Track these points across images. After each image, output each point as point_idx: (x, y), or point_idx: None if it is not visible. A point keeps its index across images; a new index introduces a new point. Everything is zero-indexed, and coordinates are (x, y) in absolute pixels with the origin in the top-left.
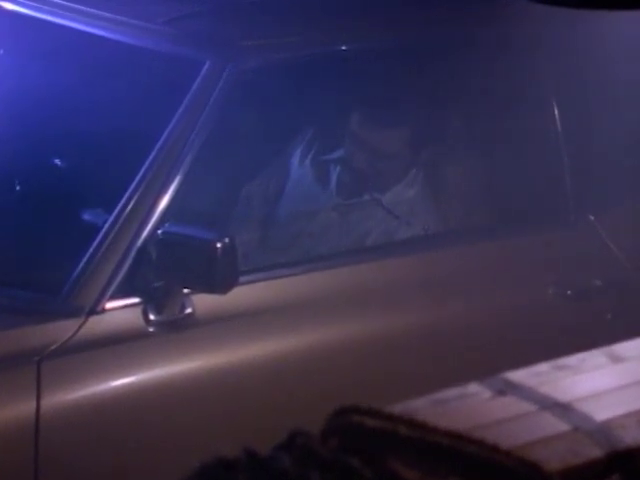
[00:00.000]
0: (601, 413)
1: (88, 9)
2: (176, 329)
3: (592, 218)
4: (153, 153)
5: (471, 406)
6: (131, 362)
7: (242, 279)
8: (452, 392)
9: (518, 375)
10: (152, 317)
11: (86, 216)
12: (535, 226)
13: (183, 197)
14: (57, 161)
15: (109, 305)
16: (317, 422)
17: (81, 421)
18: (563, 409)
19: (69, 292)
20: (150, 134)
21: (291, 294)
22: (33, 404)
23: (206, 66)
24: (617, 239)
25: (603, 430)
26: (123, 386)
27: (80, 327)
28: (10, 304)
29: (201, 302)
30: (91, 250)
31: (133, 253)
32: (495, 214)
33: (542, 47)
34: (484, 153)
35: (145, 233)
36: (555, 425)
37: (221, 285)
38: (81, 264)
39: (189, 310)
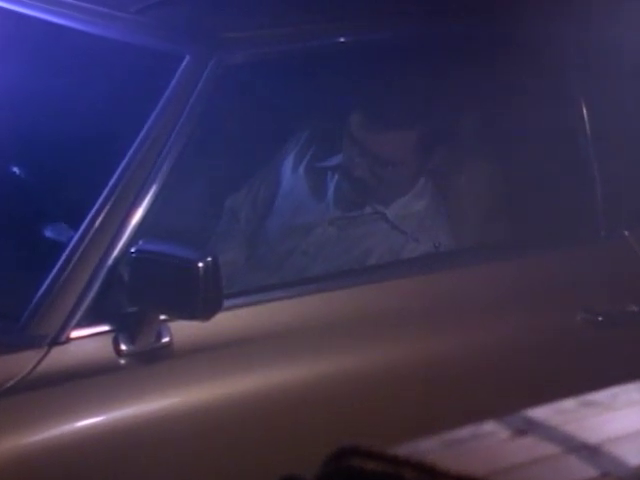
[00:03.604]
0: (635, 456)
1: None
2: (151, 361)
3: (626, 233)
4: (126, 160)
5: (487, 447)
6: (100, 399)
7: (227, 303)
8: (465, 431)
9: (540, 412)
10: (124, 347)
11: (48, 232)
12: (561, 242)
13: (160, 210)
14: (14, 169)
15: (74, 334)
16: (312, 464)
17: (41, 467)
18: (591, 451)
19: (28, 319)
20: (122, 138)
21: (282, 320)
22: None
23: (186, 61)
24: None
25: (637, 476)
26: (90, 426)
27: (41, 359)
28: None
29: (180, 330)
30: (54, 271)
31: (102, 274)
32: (515, 229)
33: (567, 43)
34: (503, 159)
35: (116, 252)
36: (582, 470)
37: (203, 311)
38: (43, 287)
39: (166, 339)
